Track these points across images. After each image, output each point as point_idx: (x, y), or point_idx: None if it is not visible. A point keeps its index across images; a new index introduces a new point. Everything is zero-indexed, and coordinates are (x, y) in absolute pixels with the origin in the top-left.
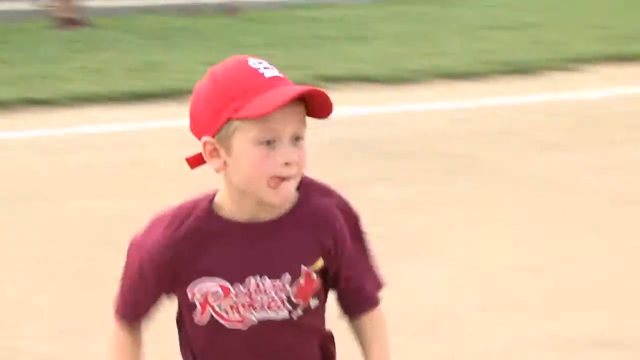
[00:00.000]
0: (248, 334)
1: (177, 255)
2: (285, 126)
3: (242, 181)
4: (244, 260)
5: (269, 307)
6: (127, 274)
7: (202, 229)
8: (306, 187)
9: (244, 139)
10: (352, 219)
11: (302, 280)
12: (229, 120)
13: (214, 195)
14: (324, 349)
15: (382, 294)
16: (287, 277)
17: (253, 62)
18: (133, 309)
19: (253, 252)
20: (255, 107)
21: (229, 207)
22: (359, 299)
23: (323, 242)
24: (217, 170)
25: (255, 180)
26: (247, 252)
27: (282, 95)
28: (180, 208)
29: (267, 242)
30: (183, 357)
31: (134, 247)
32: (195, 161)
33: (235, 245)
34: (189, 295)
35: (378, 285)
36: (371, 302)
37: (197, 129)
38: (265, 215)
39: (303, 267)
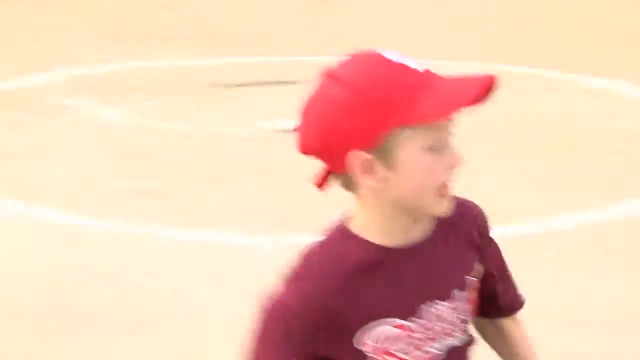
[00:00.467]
0: None
1: (338, 303)
2: (450, 125)
3: (409, 195)
4: (411, 289)
5: (448, 334)
6: (267, 343)
7: (362, 264)
8: None
9: (414, 146)
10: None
11: (471, 294)
12: (393, 128)
13: (345, 224)
14: None
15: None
16: (457, 294)
17: (393, 55)
18: None
19: (417, 277)
20: (436, 107)
21: (377, 231)
22: (507, 299)
23: (473, 242)
24: (367, 189)
25: (425, 191)
26: (412, 279)
27: (470, 88)
28: (322, 248)
29: (428, 262)
30: None
31: (277, 310)
32: (325, 181)
33: (398, 275)
34: (359, 347)
35: (515, 287)
36: (520, 302)
37: (335, 145)
38: (418, 233)
39: (468, 278)
